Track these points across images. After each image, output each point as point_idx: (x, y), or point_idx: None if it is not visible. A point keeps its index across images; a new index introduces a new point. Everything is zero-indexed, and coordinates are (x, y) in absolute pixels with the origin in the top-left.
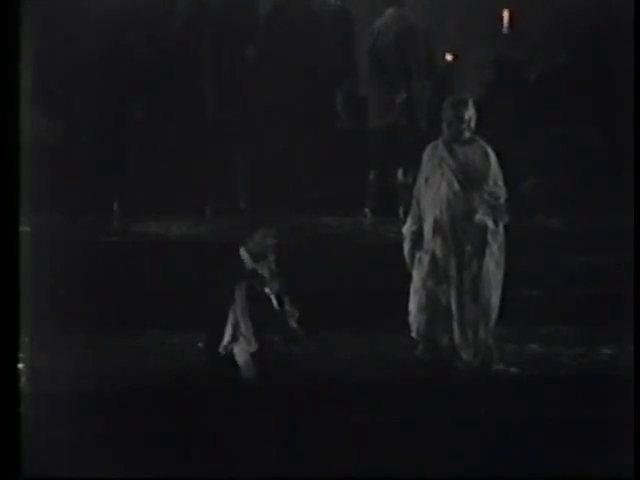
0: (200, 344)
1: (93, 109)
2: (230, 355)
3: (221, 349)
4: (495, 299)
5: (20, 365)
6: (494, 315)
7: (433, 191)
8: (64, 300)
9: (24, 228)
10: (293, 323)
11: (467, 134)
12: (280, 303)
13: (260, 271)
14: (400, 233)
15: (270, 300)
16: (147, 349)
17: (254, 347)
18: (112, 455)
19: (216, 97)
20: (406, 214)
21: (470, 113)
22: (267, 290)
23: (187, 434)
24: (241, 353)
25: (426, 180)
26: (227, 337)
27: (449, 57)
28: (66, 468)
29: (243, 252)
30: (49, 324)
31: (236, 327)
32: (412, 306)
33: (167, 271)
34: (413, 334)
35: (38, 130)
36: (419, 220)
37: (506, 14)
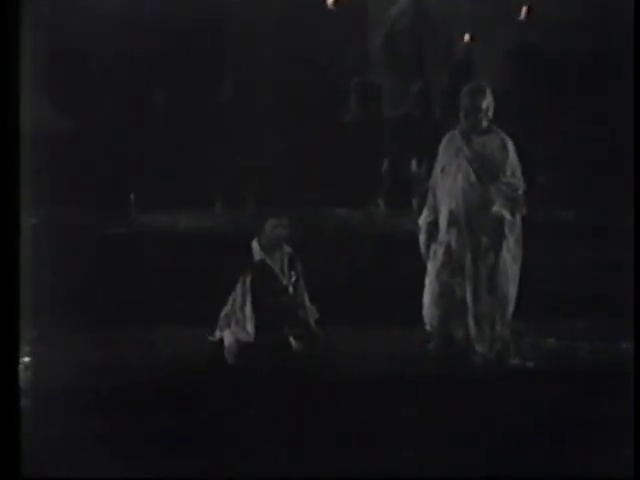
0: (211, 337)
1: (103, 100)
2: (238, 353)
3: (210, 337)
4: (512, 292)
5: (22, 360)
6: (511, 308)
7: (449, 182)
8: (67, 294)
9: (28, 220)
10: (312, 322)
11: (484, 123)
12: (297, 297)
13: (269, 262)
14: (414, 225)
15: (276, 292)
16: (154, 343)
17: (250, 337)
18: (115, 452)
19: (230, 88)
20: (420, 205)
21: (488, 102)
22: (285, 282)
23: (192, 431)
24: (229, 337)
25: (442, 171)
26: (219, 325)
27: (467, 37)
28: (67, 466)
29: (255, 244)
30: (52, 318)
31: (230, 315)
32: (426, 299)
33: (175, 264)
34: (427, 328)
35: (43, 119)
36: (434, 211)
37: (524, 9)
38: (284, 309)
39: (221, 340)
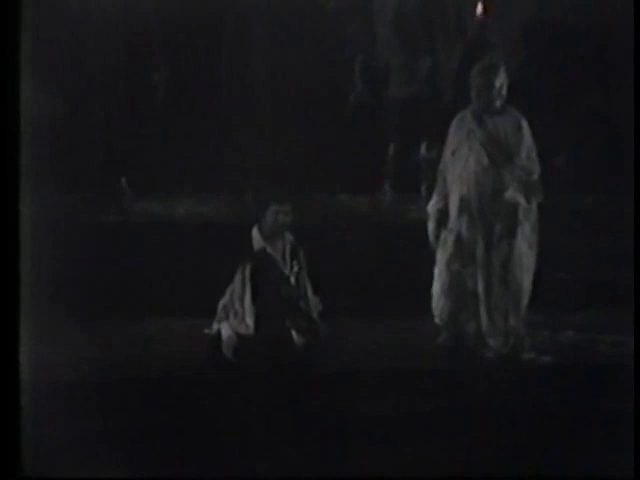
0: (208, 330)
1: (96, 81)
2: (236, 347)
3: (207, 330)
4: (526, 283)
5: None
6: (525, 300)
7: (460, 166)
8: (56, 286)
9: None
10: (315, 314)
11: (498, 103)
12: (299, 288)
13: (270, 251)
14: (423, 211)
15: (277, 283)
16: (152, 336)
17: (249, 330)
18: (114, 450)
19: (229, 69)
20: (429, 191)
21: (501, 80)
22: (287, 272)
23: (190, 428)
24: (227, 329)
25: (453, 154)
26: (217, 317)
27: (479, 9)
28: (67, 465)
29: (255, 231)
30: (49, 311)
31: (228, 307)
32: (436, 290)
33: (170, 253)
34: (436, 320)
35: (38, 103)
36: (444, 197)
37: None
38: (286, 301)
39: (219, 333)
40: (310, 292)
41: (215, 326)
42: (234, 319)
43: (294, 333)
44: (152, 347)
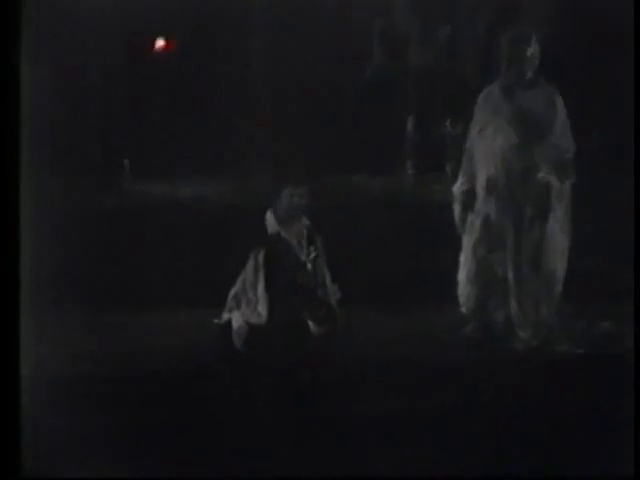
0: (217, 320)
1: (96, 57)
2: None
3: (217, 320)
4: (560, 270)
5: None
6: (558, 288)
7: (487, 144)
8: (53, 274)
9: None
10: (333, 303)
11: (529, 75)
12: (316, 275)
13: (285, 235)
14: (447, 193)
15: (293, 270)
16: (156, 328)
17: (262, 319)
18: (117, 447)
19: (237, 38)
20: (455, 171)
21: (533, 50)
22: (303, 258)
23: (197, 424)
24: (238, 319)
25: (479, 131)
26: (227, 306)
27: None
28: (68, 465)
29: (269, 215)
30: (48, 300)
31: (240, 296)
32: (461, 277)
33: (176, 239)
34: (462, 310)
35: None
36: (471, 178)
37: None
38: (302, 288)
39: (229, 323)
40: (328, 279)
41: (225, 316)
42: (246, 308)
43: (311, 323)
44: (156, 340)
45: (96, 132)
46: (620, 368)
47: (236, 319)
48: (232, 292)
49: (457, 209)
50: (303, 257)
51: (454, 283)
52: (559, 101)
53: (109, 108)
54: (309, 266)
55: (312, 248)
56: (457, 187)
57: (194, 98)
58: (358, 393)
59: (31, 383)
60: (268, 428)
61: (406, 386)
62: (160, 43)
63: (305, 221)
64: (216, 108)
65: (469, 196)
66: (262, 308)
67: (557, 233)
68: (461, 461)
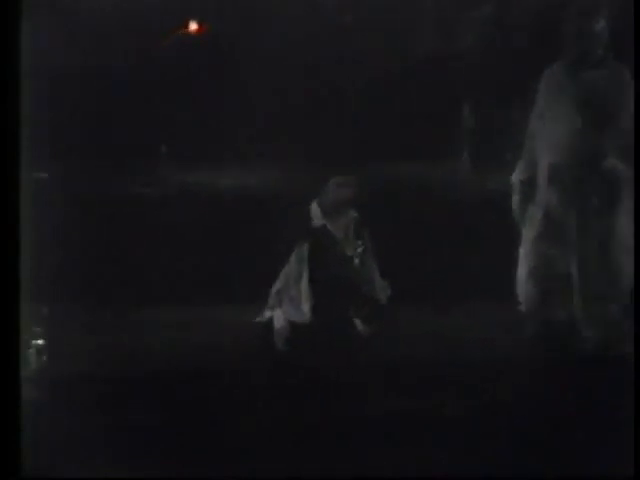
0: (259, 318)
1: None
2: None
3: (258, 318)
4: (628, 265)
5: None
6: (628, 285)
7: (550, 129)
8: (79, 268)
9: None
10: (383, 298)
11: (598, 53)
12: (364, 270)
13: (332, 229)
14: (506, 183)
15: (340, 265)
16: (187, 326)
17: (306, 318)
18: (118, 450)
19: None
20: (514, 159)
21: (602, 26)
22: (350, 253)
23: (232, 429)
24: (280, 318)
25: (541, 115)
26: (269, 303)
27: None
28: (68, 465)
29: (315, 206)
30: (59, 298)
31: (283, 292)
32: (521, 273)
33: (215, 231)
34: (521, 308)
35: (48, 51)
36: (531, 166)
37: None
38: (348, 285)
39: (270, 321)
40: (377, 275)
41: (267, 313)
42: (289, 305)
43: (357, 321)
44: (189, 338)
45: (126, 114)
46: (620, 368)
47: (278, 318)
48: (274, 288)
49: (516, 200)
50: (350, 252)
51: (512, 280)
52: (629, 82)
53: (143, 88)
54: (356, 261)
55: (360, 242)
56: (516, 176)
57: (232, 81)
58: (408, 396)
59: (31, 383)
60: (311, 434)
61: (461, 389)
62: (193, 26)
63: (352, 213)
64: (258, 92)
65: (529, 186)
66: (306, 305)
67: (626, 226)
68: (461, 461)
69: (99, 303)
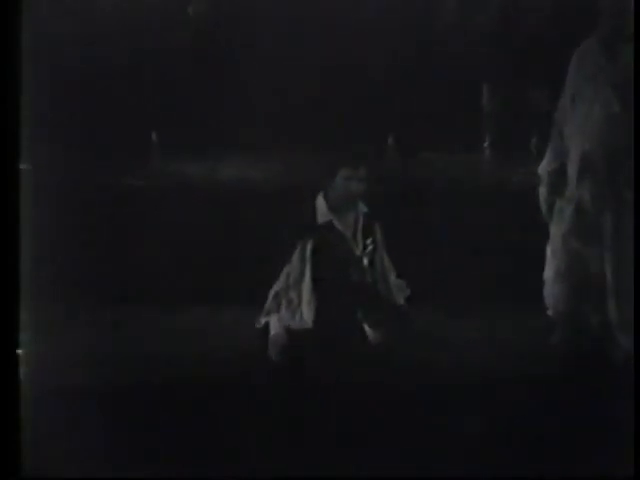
0: (259, 324)
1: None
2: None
3: (257, 323)
4: None
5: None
6: None
7: (582, 114)
8: (67, 266)
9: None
10: (400, 300)
11: (630, 30)
12: (374, 271)
13: (338, 225)
14: (532, 174)
15: (347, 265)
16: (186, 328)
17: (305, 324)
18: (118, 450)
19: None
20: (541, 147)
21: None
22: (358, 252)
23: (222, 443)
24: (276, 325)
25: (573, 99)
26: (265, 308)
27: None
28: (68, 465)
29: (320, 200)
30: (49, 298)
31: (281, 296)
32: (548, 274)
33: (211, 227)
34: (549, 313)
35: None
36: (561, 155)
37: None
38: (356, 286)
39: (266, 328)
40: (392, 275)
41: (263, 319)
42: (286, 310)
43: (367, 327)
44: (185, 343)
45: (116, 99)
46: (620, 368)
47: (274, 324)
48: (273, 290)
49: (544, 193)
50: (358, 251)
51: (539, 281)
52: None
53: (135, 72)
54: (364, 261)
55: (369, 240)
56: (544, 166)
57: (235, 65)
58: (424, 413)
59: (31, 382)
60: (313, 455)
61: (483, 405)
62: None
63: (362, 208)
64: (261, 77)
65: (559, 177)
66: (307, 310)
67: None
68: (460, 461)
69: (84, 305)
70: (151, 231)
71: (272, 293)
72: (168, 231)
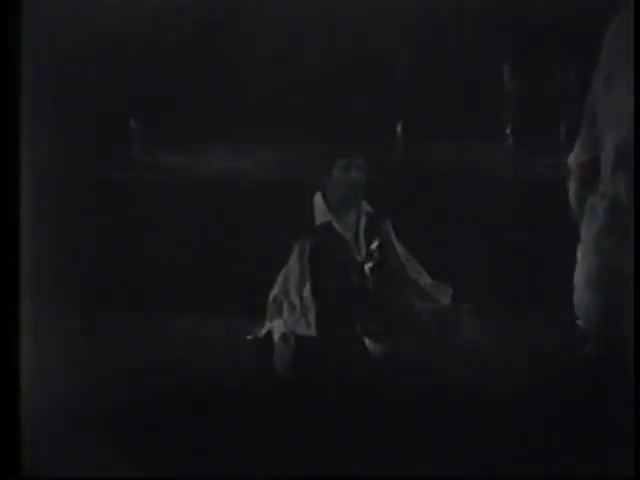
0: (250, 336)
1: None
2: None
3: (258, 333)
4: None
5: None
6: None
7: (617, 99)
8: (41, 268)
9: None
10: (446, 300)
11: None
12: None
13: (338, 227)
14: (560, 166)
15: (347, 271)
16: (173, 339)
17: (313, 332)
18: (118, 448)
19: None
20: (570, 136)
21: None
22: (359, 258)
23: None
24: (281, 328)
25: (607, 80)
26: (268, 312)
27: None
28: (68, 465)
29: (318, 198)
30: (53, 299)
31: (281, 299)
32: (579, 279)
33: (196, 226)
34: (580, 322)
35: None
36: (594, 145)
37: None
38: (357, 296)
39: (269, 335)
40: (426, 278)
41: (266, 326)
42: (290, 315)
43: (367, 340)
44: (162, 353)
45: (92, 85)
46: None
47: (278, 328)
48: (272, 294)
49: (574, 187)
50: (359, 256)
51: (569, 287)
52: None
53: (114, 57)
54: (366, 268)
55: (373, 246)
56: (573, 158)
57: (221, 48)
58: (435, 432)
59: (31, 382)
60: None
61: (501, 423)
62: None
63: (365, 208)
64: (250, 59)
65: (590, 170)
66: (310, 317)
67: None
68: (460, 461)
69: (85, 305)
70: (128, 229)
71: (271, 297)
72: (148, 230)
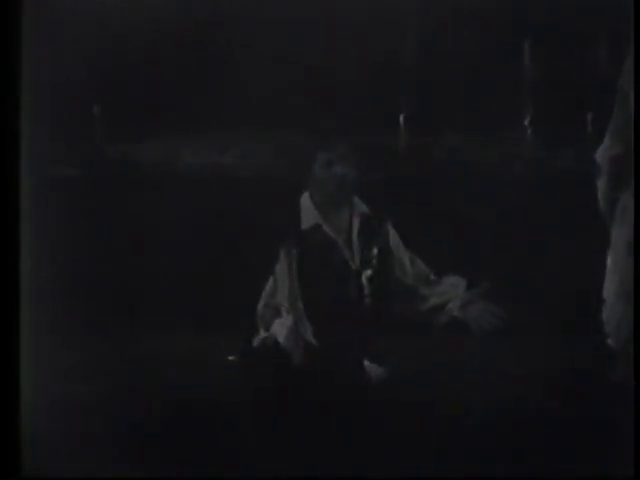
0: (232, 357)
1: None
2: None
3: (255, 341)
4: None
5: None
6: None
7: None
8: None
9: None
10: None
11: None
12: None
13: (328, 229)
14: (585, 162)
15: (342, 280)
16: (157, 357)
17: (307, 332)
18: (118, 448)
19: None
20: (597, 127)
21: None
22: (353, 265)
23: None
24: (281, 327)
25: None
26: (260, 321)
27: None
28: (68, 465)
29: (305, 199)
30: (53, 299)
31: (271, 306)
32: (608, 291)
33: (172, 227)
34: (610, 342)
35: None
36: (625, 137)
37: None
38: (355, 310)
39: (268, 341)
40: (434, 279)
41: (261, 334)
42: (290, 314)
43: (367, 364)
44: (158, 370)
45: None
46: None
47: (279, 327)
48: (261, 304)
49: (603, 186)
50: (353, 263)
51: (597, 301)
52: None
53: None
54: (364, 277)
55: (373, 252)
56: (602, 152)
57: (221, 48)
58: (435, 433)
59: (31, 383)
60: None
61: (500, 427)
62: None
63: (359, 206)
64: (250, 59)
65: (622, 166)
66: (305, 324)
67: None
68: (460, 461)
69: (85, 305)
70: (91, 233)
71: (260, 306)
72: (119, 233)
